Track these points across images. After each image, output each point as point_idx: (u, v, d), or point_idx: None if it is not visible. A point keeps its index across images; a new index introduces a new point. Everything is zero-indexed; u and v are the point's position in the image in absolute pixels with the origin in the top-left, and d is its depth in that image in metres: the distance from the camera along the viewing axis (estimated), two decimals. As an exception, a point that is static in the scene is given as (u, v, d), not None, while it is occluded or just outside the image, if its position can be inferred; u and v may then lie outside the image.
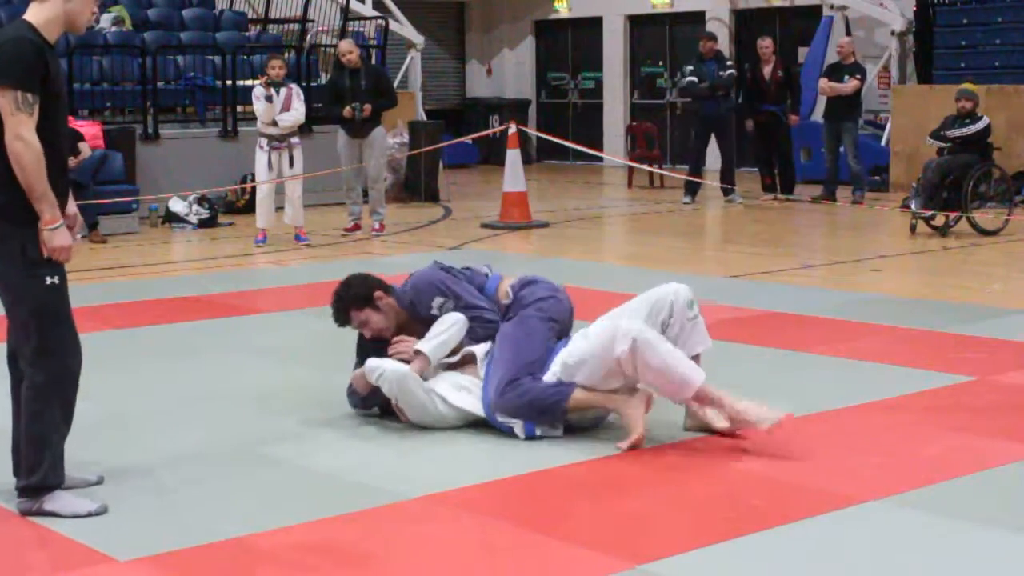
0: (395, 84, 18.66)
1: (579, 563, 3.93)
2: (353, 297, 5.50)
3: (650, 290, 5.35)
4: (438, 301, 5.40)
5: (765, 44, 15.10)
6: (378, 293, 5.48)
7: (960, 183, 11.51)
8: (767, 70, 15.01)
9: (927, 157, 12.31)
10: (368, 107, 12.09)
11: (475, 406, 5.28)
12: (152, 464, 4.96)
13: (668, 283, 5.36)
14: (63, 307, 4.42)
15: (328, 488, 4.69)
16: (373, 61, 16.28)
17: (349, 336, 5.71)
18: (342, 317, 5.55)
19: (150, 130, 14.16)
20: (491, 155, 20.16)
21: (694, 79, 14.95)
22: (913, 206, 11.64)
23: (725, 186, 14.98)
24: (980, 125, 11.62)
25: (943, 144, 11.75)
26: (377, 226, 12.39)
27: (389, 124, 14.98)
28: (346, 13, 17.33)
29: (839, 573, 3.84)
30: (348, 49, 12.43)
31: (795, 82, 15.18)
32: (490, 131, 19.17)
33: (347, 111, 12.08)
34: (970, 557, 3.95)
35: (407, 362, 5.29)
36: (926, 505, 4.39)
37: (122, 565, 3.92)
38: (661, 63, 20.90)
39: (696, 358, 5.24)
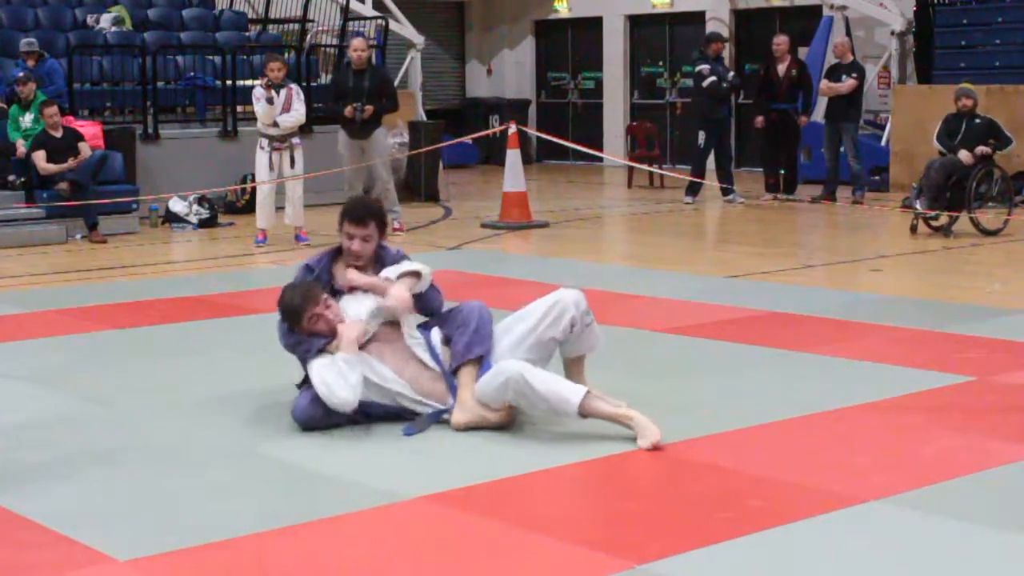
0: (395, 84, 18.71)
1: (579, 563, 3.92)
2: (379, 214, 5.68)
3: (548, 300, 5.48)
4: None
5: (779, 41, 15.02)
6: (385, 229, 5.71)
7: (963, 183, 11.52)
8: (781, 68, 14.94)
9: (927, 157, 12.31)
10: (370, 108, 12.09)
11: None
12: (152, 464, 4.96)
13: (564, 293, 5.50)
14: None
15: (328, 488, 4.69)
16: (373, 60, 16.28)
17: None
18: (365, 218, 5.57)
19: (150, 130, 14.17)
20: (491, 155, 20.17)
21: (715, 79, 14.86)
22: (918, 206, 11.64)
23: (725, 186, 14.98)
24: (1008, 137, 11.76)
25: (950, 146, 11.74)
26: (397, 225, 12.30)
27: (389, 124, 14.98)
28: (346, 13, 17.34)
29: (839, 573, 3.84)
30: (359, 47, 12.43)
31: (808, 81, 15.07)
32: (490, 131, 19.17)
33: (348, 110, 12.09)
34: (970, 557, 3.95)
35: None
36: (926, 505, 4.38)
37: (122, 565, 3.92)
38: (661, 63, 20.90)
39: (583, 356, 5.56)
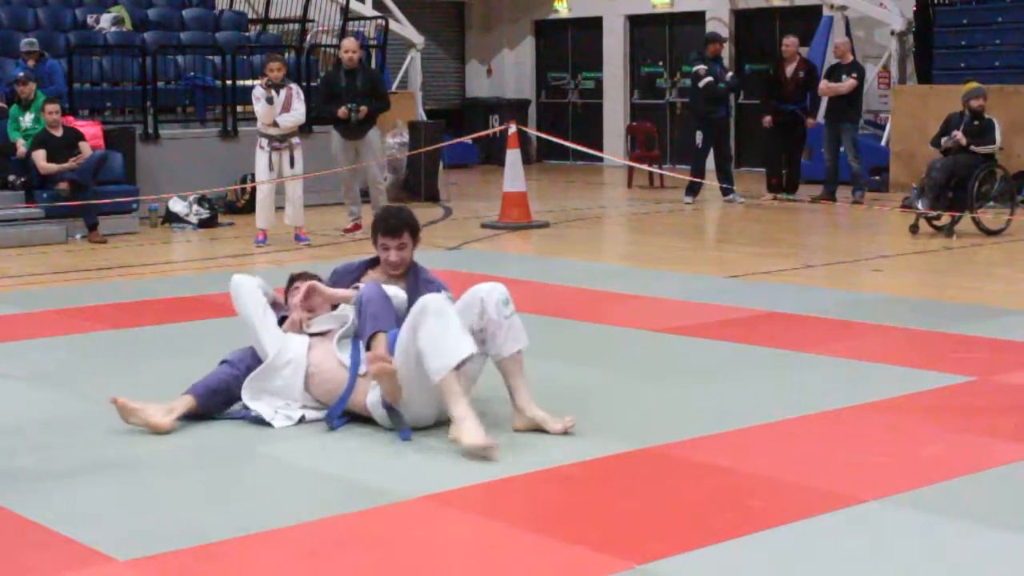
0: (395, 84, 18.74)
1: (579, 563, 3.92)
2: (412, 222, 5.63)
3: (466, 293, 5.34)
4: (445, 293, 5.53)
5: (788, 43, 15.05)
6: (419, 236, 5.69)
7: (965, 183, 11.53)
8: (789, 69, 14.94)
9: (927, 157, 12.32)
10: (364, 109, 12.10)
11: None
12: (151, 464, 4.96)
13: (481, 284, 5.34)
14: None
15: (328, 488, 4.69)
16: (373, 61, 16.30)
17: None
18: (399, 228, 5.56)
19: (150, 130, 14.17)
20: (491, 155, 20.17)
21: (711, 79, 14.84)
22: (920, 206, 11.64)
23: (725, 186, 14.98)
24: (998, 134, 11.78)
25: (950, 145, 11.74)
26: None
27: (388, 124, 14.99)
28: (346, 13, 17.35)
29: (839, 573, 3.84)
30: (351, 47, 12.42)
31: (815, 83, 15.07)
32: (490, 131, 19.17)
33: (342, 112, 12.09)
34: (970, 557, 3.95)
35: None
36: (926, 505, 4.38)
37: (122, 565, 3.92)
38: (661, 63, 20.90)
39: (516, 356, 5.24)
